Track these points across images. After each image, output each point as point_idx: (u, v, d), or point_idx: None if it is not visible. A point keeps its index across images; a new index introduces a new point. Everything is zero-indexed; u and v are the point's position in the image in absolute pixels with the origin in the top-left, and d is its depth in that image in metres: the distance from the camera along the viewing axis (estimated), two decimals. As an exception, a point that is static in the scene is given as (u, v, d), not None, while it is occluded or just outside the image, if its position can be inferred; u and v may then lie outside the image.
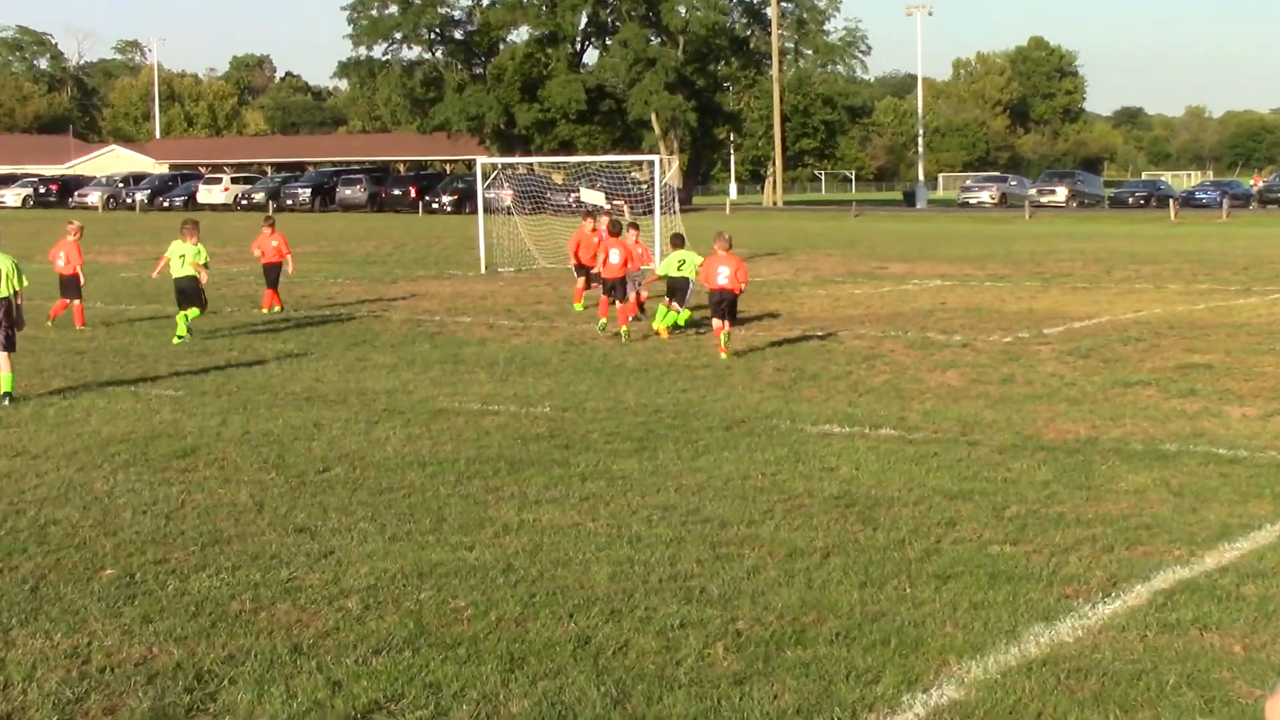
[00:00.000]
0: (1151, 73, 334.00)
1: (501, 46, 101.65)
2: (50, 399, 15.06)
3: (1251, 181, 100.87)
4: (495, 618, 7.73)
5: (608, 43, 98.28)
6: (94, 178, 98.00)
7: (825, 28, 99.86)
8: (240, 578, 8.48)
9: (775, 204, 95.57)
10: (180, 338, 20.34)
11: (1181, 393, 15.47)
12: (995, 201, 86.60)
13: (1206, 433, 13.07)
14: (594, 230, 24.82)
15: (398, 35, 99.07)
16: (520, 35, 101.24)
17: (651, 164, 39.80)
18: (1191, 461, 11.75)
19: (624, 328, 20.73)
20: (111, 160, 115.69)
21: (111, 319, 23.49)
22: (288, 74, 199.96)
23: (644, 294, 22.88)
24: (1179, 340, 20.09)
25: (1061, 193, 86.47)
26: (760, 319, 23.29)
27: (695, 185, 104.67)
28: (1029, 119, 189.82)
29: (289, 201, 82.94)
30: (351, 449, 12.33)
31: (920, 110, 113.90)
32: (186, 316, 20.70)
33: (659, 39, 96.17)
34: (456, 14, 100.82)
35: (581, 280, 25.12)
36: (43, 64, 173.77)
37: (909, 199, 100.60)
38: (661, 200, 34.20)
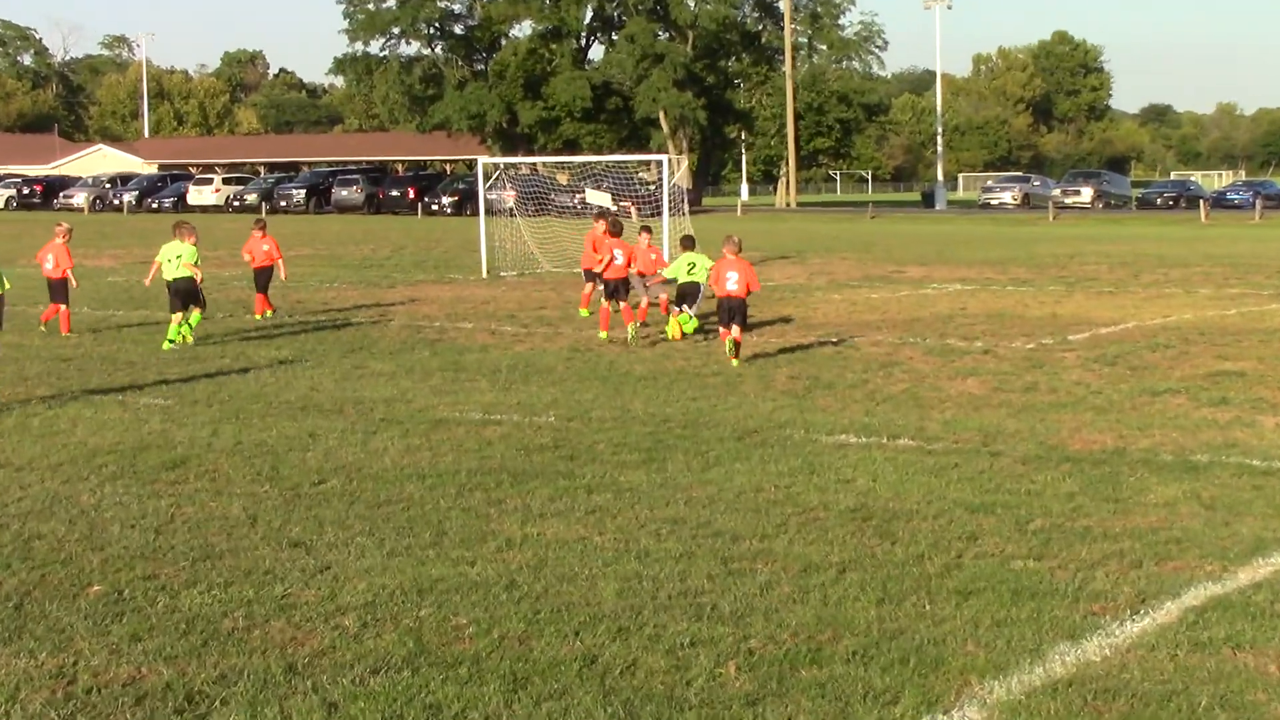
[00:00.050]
0: (1180, 68, 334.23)
1: (504, 42, 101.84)
2: (34, 408, 15.08)
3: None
4: (498, 636, 7.73)
5: (614, 38, 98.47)
6: (80, 178, 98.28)
7: (840, 22, 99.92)
8: (232, 594, 8.48)
9: (788, 205, 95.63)
10: (171, 342, 20.36)
11: (1213, 401, 15.45)
12: (1017, 203, 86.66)
13: (1239, 443, 13.06)
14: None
15: (396, 30, 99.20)
16: (523, 30, 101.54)
17: (660, 164, 39.81)
18: (1223, 473, 11.73)
19: (631, 325, 20.74)
20: (98, 160, 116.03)
21: (98, 325, 23.53)
22: (281, 70, 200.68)
23: (663, 297, 22.85)
24: (1210, 347, 20.07)
25: (1087, 193, 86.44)
26: (773, 324, 23.30)
27: (705, 186, 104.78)
28: (1052, 117, 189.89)
29: (283, 203, 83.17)
30: (348, 460, 12.34)
31: (939, 108, 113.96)
32: (188, 322, 20.75)
33: (667, 34, 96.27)
34: (457, 8, 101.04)
35: (590, 286, 25.09)
36: (26, 60, 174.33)
37: (927, 200, 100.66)
38: (670, 202, 34.22)
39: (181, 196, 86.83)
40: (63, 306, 22.27)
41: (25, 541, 9.69)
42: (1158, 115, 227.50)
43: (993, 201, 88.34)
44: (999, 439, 13.30)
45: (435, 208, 77.98)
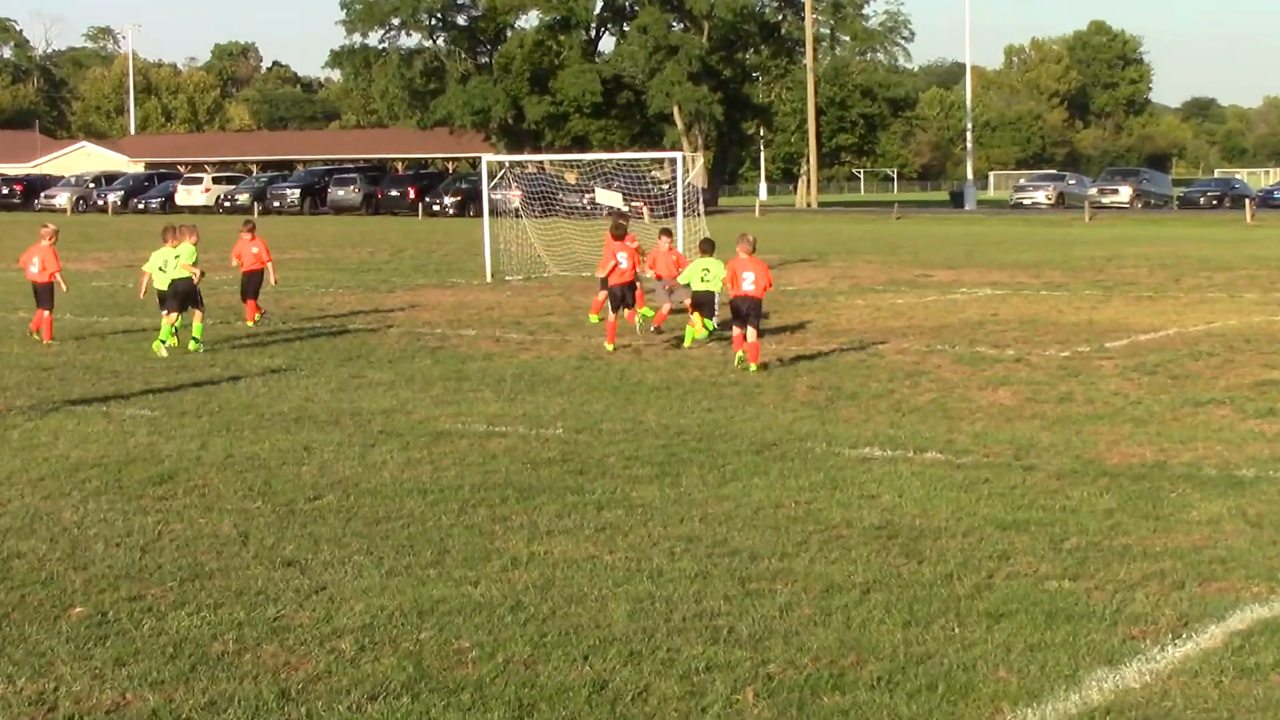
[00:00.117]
0: (1225, 59, 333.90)
1: (509, 33, 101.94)
2: (14, 420, 15.12)
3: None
4: (502, 660, 7.73)
5: (625, 29, 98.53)
6: (62, 177, 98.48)
7: (864, 11, 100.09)
8: (223, 616, 8.49)
9: (809, 205, 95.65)
10: (163, 342, 20.56)
11: (1259, 413, 15.43)
12: (1051, 202, 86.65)
13: (1287, 457, 13.04)
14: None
15: (395, 21, 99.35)
16: (530, 21, 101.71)
17: (674, 162, 39.84)
18: (1270, 489, 11.71)
19: (637, 318, 20.76)
20: (81, 158, 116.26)
21: (82, 332, 23.60)
22: (275, 64, 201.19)
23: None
24: (1256, 355, 20.05)
25: (1125, 192, 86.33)
26: (793, 331, 23.31)
27: (722, 185, 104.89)
28: (1089, 111, 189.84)
29: (276, 203, 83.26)
30: (345, 475, 12.35)
31: (969, 102, 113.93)
32: (194, 335, 20.85)
33: (682, 25, 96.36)
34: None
35: (603, 292, 25.00)
36: (6, 53, 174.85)
37: (956, 200, 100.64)
38: (685, 202, 34.23)
39: (169, 197, 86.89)
40: (46, 312, 22.33)
41: (4, 560, 9.71)
42: (1201, 109, 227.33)
43: (1025, 201, 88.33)
44: (1032, 452, 13.29)
45: (437, 208, 78.10)
